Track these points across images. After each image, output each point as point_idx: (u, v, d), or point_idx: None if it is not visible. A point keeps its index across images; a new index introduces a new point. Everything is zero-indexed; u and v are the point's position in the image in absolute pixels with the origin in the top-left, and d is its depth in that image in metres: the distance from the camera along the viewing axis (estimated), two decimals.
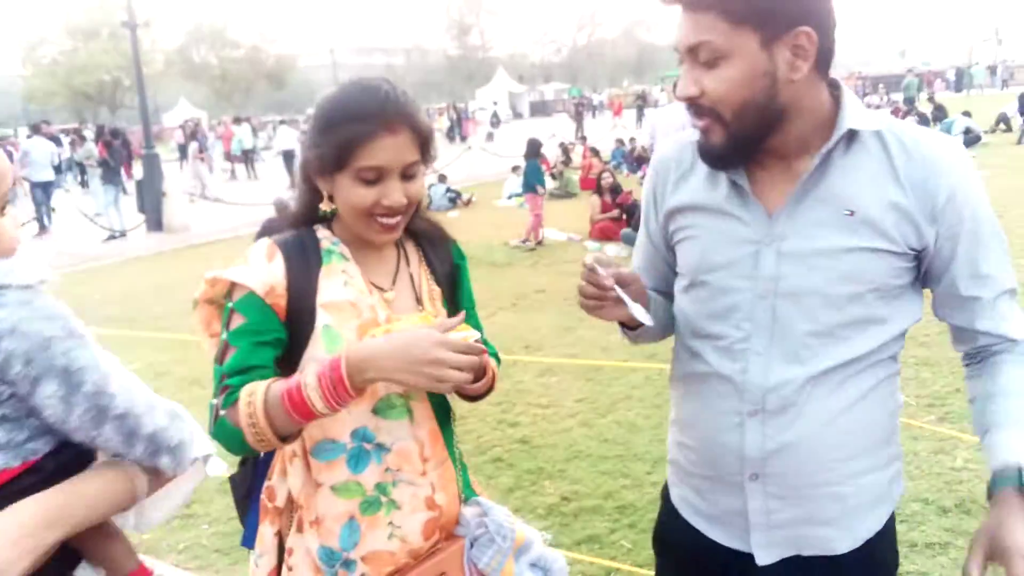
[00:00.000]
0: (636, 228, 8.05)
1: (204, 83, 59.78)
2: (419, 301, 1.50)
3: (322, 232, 1.47)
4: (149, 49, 44.12)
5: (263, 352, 1.34)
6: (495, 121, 43.26)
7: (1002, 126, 19.77)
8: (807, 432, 1.33)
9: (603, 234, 10.20)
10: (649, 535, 3.29)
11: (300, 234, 1.46)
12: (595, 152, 15.84)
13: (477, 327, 1.47)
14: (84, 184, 19.28)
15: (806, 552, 1.40)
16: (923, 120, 20.61)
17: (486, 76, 60.17)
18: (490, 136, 30.98)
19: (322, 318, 1.38)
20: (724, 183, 1.37)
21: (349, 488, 1.41)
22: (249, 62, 59.99)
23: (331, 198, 1.42)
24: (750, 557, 1.42)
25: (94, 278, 10.33)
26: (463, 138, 32.34)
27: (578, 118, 32.35)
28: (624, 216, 10.23)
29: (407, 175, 1.39)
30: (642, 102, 37.68)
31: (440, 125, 34.05)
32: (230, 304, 1.37)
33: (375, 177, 1.35)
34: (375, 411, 1.41)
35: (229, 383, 1.32)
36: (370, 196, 1.36)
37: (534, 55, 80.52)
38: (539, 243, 10.13)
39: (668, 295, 1.56)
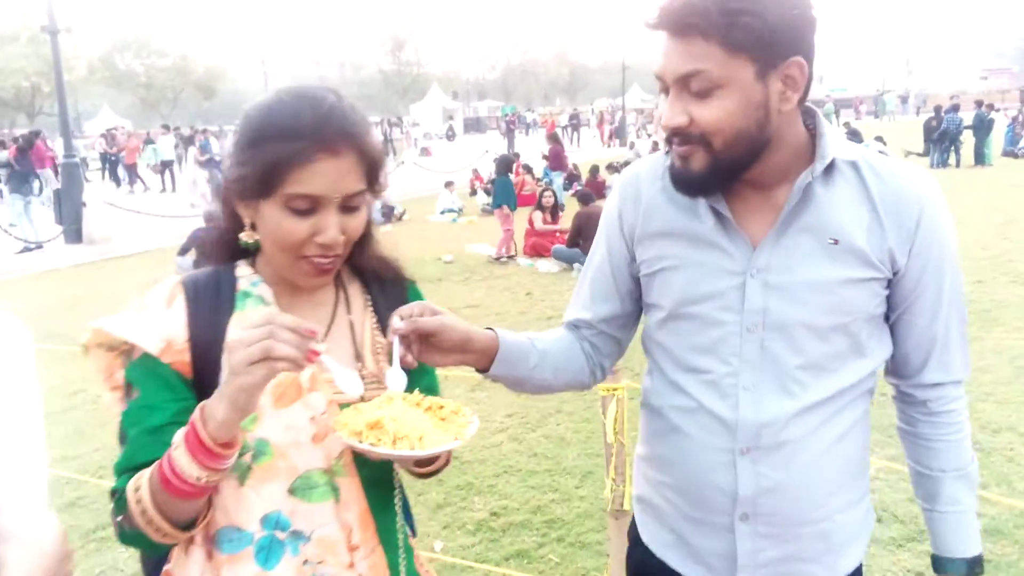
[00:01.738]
0: (572, 245, 8.04)
1: (129, 91, 58.14)
2: (359, 356, 1.26)
3: (242, 270, 1.24)
4: (71, 55, 42.66)
5: (157, 443, 1.10)
6: (451, 134, 43.86)
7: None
8: (799, 469, 1.28)
9: (535, 250, 10.28)
10: (577, 549, 3.35)
11: (217, 272, 1.23)
12: (528, 169, 15.96)
13: (433, 388, 1.32)
14: None
15: None
16: None
17: (420, 92, 60.12)
18: (424, 151, 30.96)
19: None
20: (706, 212, 1.29)
21: None
22: (177, 71, 58.58)
23: (254, 227, 1.19)
24: None
25: (6, 292, 9.88)
26: (395, 152, 32.42)
27: (509, 135, 32.56)
28: (560, 232, 10.37)
29: (348, 207, 1.15)
30: (576, 121, 38.24)
31: None
32: (126, 370, 1.17)
33: (308, 207, 1.12)
34: (292, 491, 1.17)
35: (116, 487, 1.13)
36: (301, 230, 1.13)
37: (468, 72, 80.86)
38: (511, 257, 10.25)
39: (601, 327, 1.47)
